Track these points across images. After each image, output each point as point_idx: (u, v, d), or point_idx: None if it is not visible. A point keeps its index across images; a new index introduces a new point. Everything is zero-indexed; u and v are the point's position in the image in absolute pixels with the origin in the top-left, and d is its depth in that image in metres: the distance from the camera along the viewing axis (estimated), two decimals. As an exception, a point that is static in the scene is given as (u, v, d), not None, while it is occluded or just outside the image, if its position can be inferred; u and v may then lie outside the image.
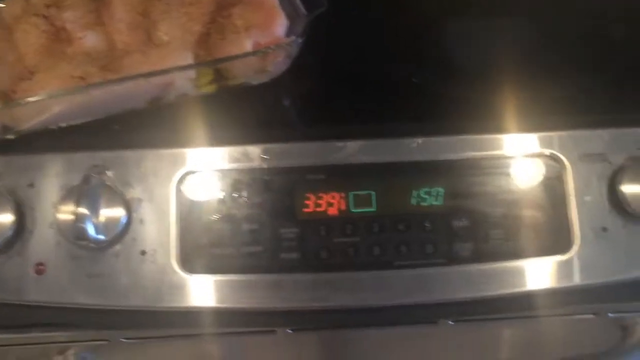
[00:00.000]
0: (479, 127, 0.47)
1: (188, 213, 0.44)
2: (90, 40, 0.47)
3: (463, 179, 0.46)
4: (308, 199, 0.45)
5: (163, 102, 0.47)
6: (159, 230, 0.44)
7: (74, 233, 0.41)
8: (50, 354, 0.50)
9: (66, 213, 0.42)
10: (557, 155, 0.46)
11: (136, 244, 0.44)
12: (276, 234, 0.45)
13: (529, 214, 0.46)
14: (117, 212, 0.43)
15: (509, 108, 0.48)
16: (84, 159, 0.44)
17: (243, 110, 0.48)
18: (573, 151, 0.46)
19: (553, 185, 0.46)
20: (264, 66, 0.48)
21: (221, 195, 0.45)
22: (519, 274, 0.45)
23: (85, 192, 0.42)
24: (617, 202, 0.46)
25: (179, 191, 0.44)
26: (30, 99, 0.42)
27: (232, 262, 0.44)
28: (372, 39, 0.54)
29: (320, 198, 0.46)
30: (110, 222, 0.43)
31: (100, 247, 0.43)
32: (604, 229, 0.46)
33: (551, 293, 0.45)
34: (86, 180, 0.43)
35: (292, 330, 0.50)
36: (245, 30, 0.47)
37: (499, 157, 0.47)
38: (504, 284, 0.45)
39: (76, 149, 0.44)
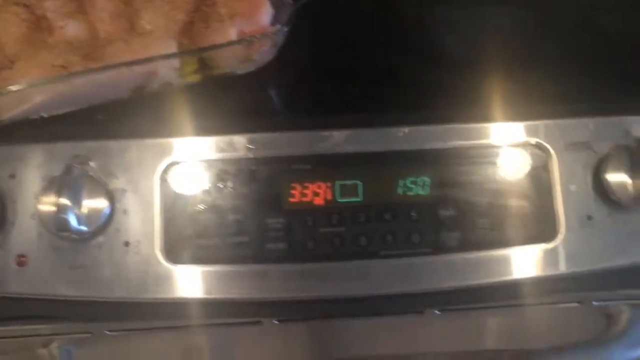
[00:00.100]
0: (465, 116, 0.47)
1: (173, 203, 0.44)
2: (71, 29, 0.46)
3: (449, 168, 0.46)
4: (294, 188, 0.45)
5: (147, 91, 0.46)
6: (143, 221, 0.43)
7: (56, 224, 0.41)
8: (33, 347, 0.49)
9: (48, 204, 0.41)
10: (542, 144, 0.46)
11: (120, 234, 0.43)
12: (262, 224, 0.44)
13: (515, 203, 0.46)
14: (100, 203, 0.42)
15: (496, 97, 0.48)
16: (66, 149, 0.43)
17: (228, 99, 0.47)
18: (559, 140, 0.47)
19: (539, 174, 0.46)
20: (249, 55, 0.48)
21: (206, 185, 0.44)
22: (505, 262, 0.46)
23: (67, 182, 0.41)
24: (602, 191, 0.46)
25: (163, 181, 0.44)
26: (11, 88, 0.42)
27: (218, 253, 0.44)
28: (358, 27, 0.54)
29: (306, 188, 0.45)
30: (93, 213, 0.42)
31: (83, 238, 0.42)
32: (589, 218, 0.46)
33: (537, 281, 0.46)
34: (68, 170, 0.42)
35: (278, 321, 0.49)
36: (230, 19, 0.47)
37: (485, 146, 0.46)
38: (490, 273, 0.45)
39: (58, 139, 0.44)
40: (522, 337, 0.56)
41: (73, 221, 0.41)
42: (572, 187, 0.46)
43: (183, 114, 0.46)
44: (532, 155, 0.47)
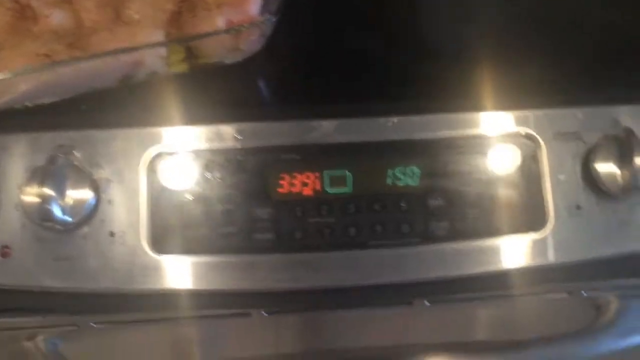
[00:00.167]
0: (454, 106, 0.46)
1: (159, 193, 0.43)
2: (56, 18, 0.46)
3: (439, 158, 0.46)
4: (282, 179, 0.45)
5: (134, 81, 0.45)
6: (129, 211, 0.43)
7: (40, 215, 0.40)
8: (18, 340, 0.48)
9: (31, 194, 0.41)
10: (531, 134, 0.46)
11: (105, 225, 0.42)
12: (250, 214, 0.44)
13: (504, 192, 0.46)
14: (85, 193, 0.42)
15: (485, 87, 0.48)
16: (50, 139, 0.43)
17: (216, 89, 0.47)
18: (547, 130, 0.46)
19: (528, 164, 0.46)
20: (237, 45, 0.47)
21: (193, 175, 0.44)
22: (494, 252, 0.45)
23: (51, 172, 0.41)
24: (591, 181, 0.46)
25: (149, 171, 0.43)
26: (-5, 77, 0.41)
27: (205, 243, 0.43)
28: (348, 17, 0.53)
29: (294, 178, 0.45)
30: (78, 203, 0.41)
31: (68, 229, 0.42)
32: (578, 207, 0.46)
33: (526, 271, 0.46)
34: (52, 160, 0.41)
35: (267, 313, 0.49)
36: (218, 8, 0.46)
37: (474, 136, 0.46)
38: (479, 263, 0.45)
39: (42, 129, 0.43)
40: (511, 328, 0.56)
41: (57, 211, 0.40)
42: (561, 177, 0.46)
43: (170, 104, 0.45)
44: (521, 145, 0.47)
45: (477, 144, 0.46)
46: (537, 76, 0.48)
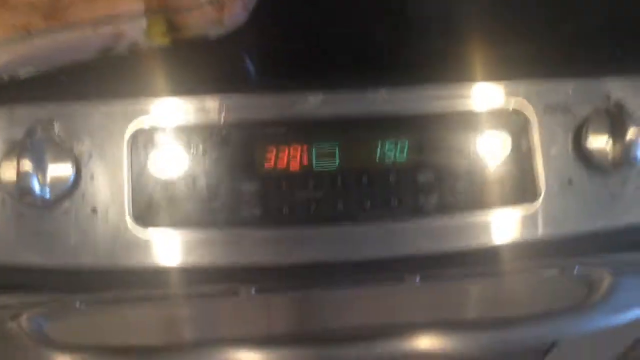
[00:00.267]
0: (443, 79, 0.45)
1: (142, 168, 0.42)
2: (34, -11, 0.44)
3: (428, 132, 0.45)
4: (269, 153, 0.44)
5: (114, 53, 0.44)
6: (111, 187, 0.42)
7: (19, 190, 0.39)
8: (3, 321, 0.47)
9: (9, 169, 0.40)
10: (522, 108, 0.46)
11: (86, 200, 0.41)
12: (236, 189, 0.43)
13: (494, 166, 0.45)
14: (65, 167, 0.41)
15: (475, 60, 0.47)
16: (28, 112, 0.41)
17: (200, 62, 0.45)
18: (538, 103, 0.46)
19: (518, 138, 0.46)
20: (220, 18, 0.46)
21: (177, 149, 0.43)
22: (484, 227, 0.45)
23: (29, 146, 0.39)
24: (582, 154, 0.45)
25: (132, 145, 0.42)
26: (-30, 49, 0.40)
27: (190, 219, 0.42)
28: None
29: (281, 152, 0.44)
30: (58, 178, 0.40)
31: (48, 205, 0.41)
32: (570, 181, 0.45)
33: (517, 245, 0.45)
34: (30, 133, 0.40)
35: (255, 291, 0.48)
36: (200, -22, 0.45)
37: (464, 110, 0.45)
38: (469, 237, 0.45)
39: (20, 102, 0.42)
40: (503, 305, 0.56)
41: (36, 187, 0.39)
42: (552, 151, 0.46)
43: (154, 77, 0.44)
44: (512, 118, 0.46)
45: (467, 118, 0.45)
46: (528, 49, 0.47)
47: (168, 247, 0.42)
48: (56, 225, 0.41)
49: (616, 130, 0.45)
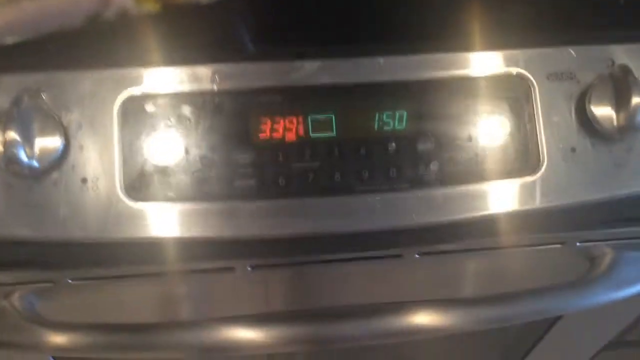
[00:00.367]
0: (443, 46, 0.44)
1: (133, 138, 0.41)
2: (20, -46, 0.43)
3: (427, 100, 0.44)
4: (264, 123, 0.43)
5: (102, 20, 0.43)
6: (102, 157, 0.40)
7: (5, 159, 0.38)
8: (-6, 299, 0.46)
9: (-4, 139, 0.38)
10: (523, 74, 0.44)
11: (76, 171, 0.40)
12: (230, 160, 0.42)
13: (495, 135, 0.44)
14: (53, 137, 0.39)
15: (474, 26, 0.45)
16: (15, 80, 0.40)
17: (192, 30, 0.44)
18: (540, 70, 0.44)
19: (520, 105, 0.44)
20: (213, -17, 0.44)
21: (169, 119, 0.42)
22: (485, 197, 0.44)
23: (16, 115, 0.38)
24: (586, 122, 0.44)
25: (122, 115, 0.41)
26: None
27: (184, 190, 0.41)
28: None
29: (277, 123, 0.43)
30: (46, 148, 0.39)
31: (36, 175, 0.39)
32: (573, 150, 0.44)
33: (519, 215, 0.44)
34: (16, 102, 0.39)
35: (251, 267, 0.47)
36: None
37: (464, 77, 0.44)
38: (470, 207, 0.43)
39: (6, 70, 0.40)
40: (503, 280, 0.55)
41: (23, 156, 0.38)
42: (555, 119, 0.44)
43: (144, 44, 0.42)
44: (513, 85, 0.45)
45: (467, 85, 0.44)
46: (529, 14, 0.46)
47: (160, 220, 0.41)
48: (45, 197, 0.40)
49: (621, 97, 0.43)
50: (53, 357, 0.57)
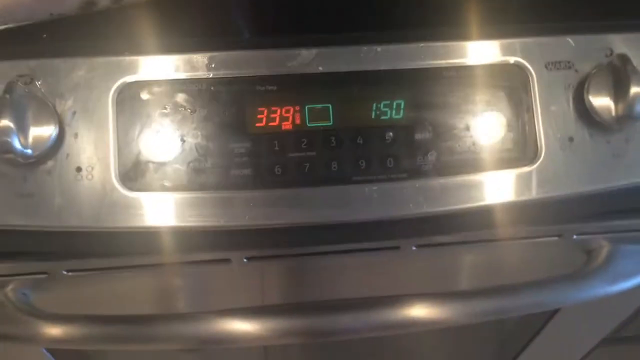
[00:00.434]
0: (441, 35, 0.44)
1: (128, 127, 0.41)
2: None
3: (425, 89, 0.44)
4: (260, 112, 0.42)
5: (97, 7, 0.42)
6: (96, 146, 0.40)
7: (-1, 148, 0.37)
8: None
9: (-11, 126, 0.38)
10: (521, 63, 0.44)
11: (71, 160, 0.40)
12: (226, 149, 0.41)
13: (493, 125, 0.44)
14: (48, 125, 0.39)
15: (472, 15, 0.45)
16: (9, 68, 0.40)
17: (188, 17, 0.44)
18: (538, 59, 0.44)
19: (518, 95, 0.44)
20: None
21: (165, 107, 0.41)
22: (483, 187, 0.43)
23: (9, 102, 0.38)
24: (584, 112, 0.44)
25: (117, 103, 0.40)
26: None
27: (179, 179, 0.41)
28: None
29: (273, 112, 0.42)
30: (40, 136, 0.39)
31: (30, 163, 0.39)
32: (571, 139, 0.44)
33: (517, 205, 0.44)
34: (10, 89, 0.38)
35: (247, 259, 0.47)
36: None
37: (461, 66, 0.44)
38: (467, 198, 0.43)
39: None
40: (500, 272, 0.55)
41: (17, 144, 0.37)
42: (553, 108, 0.44)
43: (138, 32, 0.42)
44: (511, 75, 0.44)
45: (464, 74, 0.44)
46: (528, 3, 0.46)
47: (155, 209, 0.41)
48: (39, 186, 0.39)
49: (620, 86, 0.43)
50: (46, 349, 0.57)
